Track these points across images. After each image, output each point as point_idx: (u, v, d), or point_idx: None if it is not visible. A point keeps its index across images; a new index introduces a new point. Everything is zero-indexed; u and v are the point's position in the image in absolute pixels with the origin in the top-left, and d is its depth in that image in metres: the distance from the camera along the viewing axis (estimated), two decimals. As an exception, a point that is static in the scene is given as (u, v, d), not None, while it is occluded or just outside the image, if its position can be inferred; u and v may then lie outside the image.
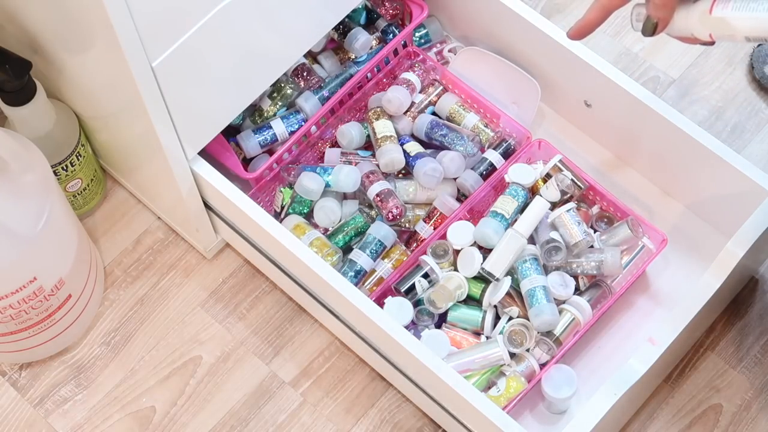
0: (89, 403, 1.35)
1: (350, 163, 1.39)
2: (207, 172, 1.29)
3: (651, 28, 1.01)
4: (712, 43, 1.01)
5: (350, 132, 1.39)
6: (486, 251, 1.31)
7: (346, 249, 1.36)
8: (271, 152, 1.41)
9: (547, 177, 1.36)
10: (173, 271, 1.43)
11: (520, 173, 1.34)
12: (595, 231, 1.35)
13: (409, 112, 1.42)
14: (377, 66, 1.43)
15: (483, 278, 1.30)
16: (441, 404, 1.25)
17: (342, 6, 1.33)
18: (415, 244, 1.36)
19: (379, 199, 1.34)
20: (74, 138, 1.34)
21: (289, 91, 1.41)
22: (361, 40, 1.42)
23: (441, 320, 1.32)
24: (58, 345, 1.36)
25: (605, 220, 1.35)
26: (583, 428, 1.14)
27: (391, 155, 1.36)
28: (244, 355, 1.37)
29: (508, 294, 1.29)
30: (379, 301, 1.29)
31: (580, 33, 1.05)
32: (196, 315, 1.40)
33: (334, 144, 1.43)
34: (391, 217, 1.34)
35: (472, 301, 1.32)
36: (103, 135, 1.38)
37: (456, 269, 1.32)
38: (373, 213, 1.37)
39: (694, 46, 1.53)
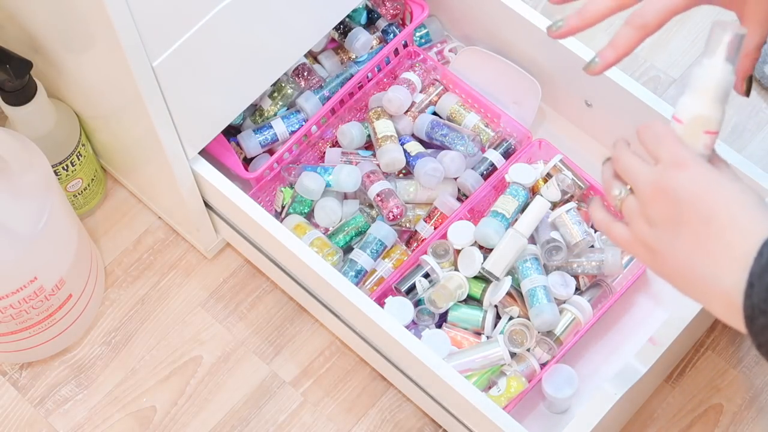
0: (90, 403, 1.35)
1: (351, 162, 1.39)
2: (207, 171, 1.29)
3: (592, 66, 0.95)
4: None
5: (351, 132, 1.39)
6: (486, 251, 1.32)
7: (347, 249, 1.36)
8: (271, 152, 1.41)
9: (547, 177, 1.36)
10: (174, 270, 1.43)
11: (520, 173, 1.34)
12: (596, 231, 1.35)
13: (409, 112, 1.42)
14: (378, 66, 1.43)
15: (483, 278, 1.30)
16: (441, 404, 1.25)
17: (342, 6, 1.33)
18: (415, 244, 1.36)
19: (379, 198, 1.34)
20: (75, 138, 1.34)
21: (289, 91, 1.41)
22: (362, 39, 1.42)
23: (441, 320, 1.32)
24: (58, 345, 1.36)
25: (606, 219, 1.35)
26: (583, 428, 1.14)
27: (391, 155, 1.36)
28: (244, 354, 1.37)
29: (508, 294, 1.29)
30: (380, 301, 1.29)
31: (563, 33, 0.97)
32: (197, 315, 1.40)
33: (335, 144, 1.43)
34: (391, 217, 1.34)
35: (472, 300, 1.32)
36: (103, 135, 1.38)
37: (456, 269, 1.32)
38: (373, 213, 1.37)
39: (696, 46, 1.54)
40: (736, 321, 0.78)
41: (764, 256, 0.76)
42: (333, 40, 1.47)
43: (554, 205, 1.33)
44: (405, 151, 1.38)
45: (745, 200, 0.81)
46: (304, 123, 1.40)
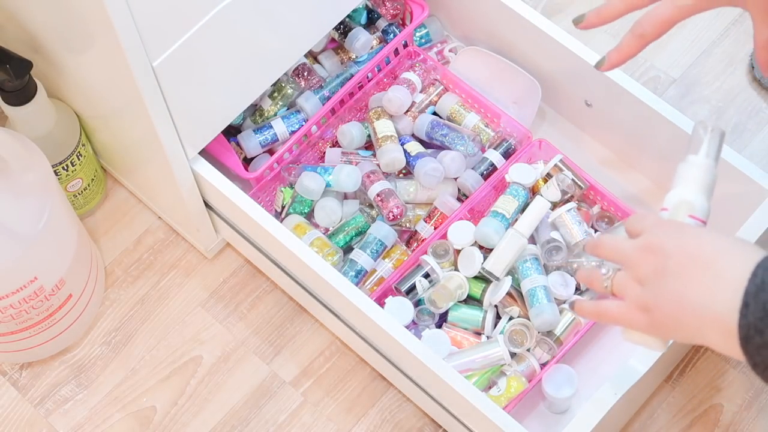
0: (90, 403, 1.35)
1: (351, 162, 1.39)
2: (208, 171, 1.29)
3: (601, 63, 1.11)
4: None
5: (351, 132, 1.39)
6: (487, 251, 1.32)
7: (347, 249, 1.36)
8: (271, 152, 1.41)
9: (547, 177, 1.36)
10: (174, 270, 1.43)
11: (520, 173, 1.34)
12: (596, 231, 1.35)
13: (409, 112, 1.42)
14: (378, 66, 1.43)
15: (484, 278, 1.30)
16: (442, 404, 1.25)
17: (342, 6, 1.33)
18: (415, 244, 1.36)
19: (379, 198, 1.34)
20: (75, 138, 1.34)
21: (289, 91, 1.41)
22: (362, 39, 1.42)
23: (441, 320, 1.32)
24: (58, 345, 1.36)
25: (606, 220, 1.35)
26: (583, 428, 1.14)
27: (391, 155, 1.36)
28: (244, 354, 1.37)
29: (508, 294, 1.29)
30: (380, 301, 1.29)
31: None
32: (197, 315, 1.40)
33: (335, 144, 1.43)
34: (391, 217, 1.34)
35: (472, 300, 1.32)
36: (103, 135, 1.38)
37: (457, 269, 1.32)
38: (373, 213, 1.37)
39: (696, 46, 1.54)
40: (732, 345, 0.79)
41: (759, 276, 0.78)
42: (333, 40, 1.47)
43: (554, 205, 1.33)
44: (405, 151, 1.38)
45: (728, 238, 0.84)
46: (304, 123, 1.40)
